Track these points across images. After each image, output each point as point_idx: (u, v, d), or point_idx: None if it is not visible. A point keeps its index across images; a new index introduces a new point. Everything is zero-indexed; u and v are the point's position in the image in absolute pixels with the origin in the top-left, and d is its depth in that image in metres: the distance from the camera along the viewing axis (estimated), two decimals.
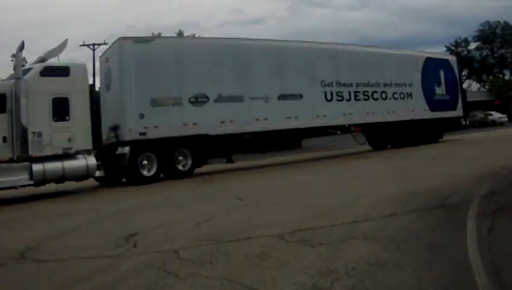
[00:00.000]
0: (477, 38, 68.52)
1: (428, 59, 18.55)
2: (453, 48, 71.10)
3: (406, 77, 16.96)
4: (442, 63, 19.41)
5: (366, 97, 15.27)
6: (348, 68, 15.11)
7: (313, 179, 10.21)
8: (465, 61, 71.67)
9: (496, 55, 71.16)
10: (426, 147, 16.94)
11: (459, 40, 70.83)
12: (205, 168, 12.74)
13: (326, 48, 15.05)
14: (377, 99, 15.53)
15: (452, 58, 21.06)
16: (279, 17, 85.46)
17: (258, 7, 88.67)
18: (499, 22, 68.47)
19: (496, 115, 45.89)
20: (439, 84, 18.32)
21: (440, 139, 19.24)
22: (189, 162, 11.15)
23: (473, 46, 69.64)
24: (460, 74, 20.47)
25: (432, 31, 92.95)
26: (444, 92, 18.64)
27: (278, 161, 16.54)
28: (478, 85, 71.68)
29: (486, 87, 66.15)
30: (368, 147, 17.85)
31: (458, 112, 19.68)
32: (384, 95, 15.93)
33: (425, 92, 17.69)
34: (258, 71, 12.81)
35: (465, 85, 77.12)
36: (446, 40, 73.16)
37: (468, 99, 59.10)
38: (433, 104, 17.95)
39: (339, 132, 18.71)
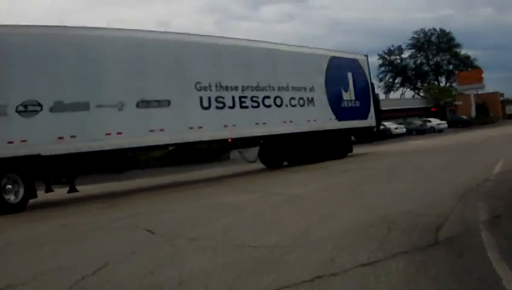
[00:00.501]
0: (411, 46, 78.50)
1: (333, 58, 18.26)
2: (386, 56, 79.37)
3: (307, 79, 16.70)
4: (351, 64, 19.29)
5: (256, 104, 14.89)
6: (232, 67, 14.57)
7: (244, 200, 9.67)
8: (398, 69, 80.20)
9: (431, 62, 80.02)
10: (343, 163, 16.86)
11: (392, 48, 78.77)
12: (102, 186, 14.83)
13: (201, 41, 14.36)
14: (269, 106, 15.22)
15: (362, 58, 20.55)
16: (207, 31, 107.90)
17: (186, 20, 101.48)
18: (434, 29, 78.18)
19: (434, 122, 50.73)
20: (346, 89, 18.38)
21: (349, 153, 18.84)
22: (22, 191, 10.29)
23: (406, 54, 78.81)
24: (371, 76, 20.52)
25: (361, 43, 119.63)
26: (353, 98, 18.67)
27: (201, 175, 17.09)
28: (412, 92, 79.61)
29: (421, 94, 73.62)
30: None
31: (370, 120, 19.72)
32: (278, 101, 15.54)
33: (330, 97, 17.48)
34: (109, 70, 11.98)
35: (398, 93, 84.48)
36: (377, 51, 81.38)
37: (404, 107, 63.44)
38: (340, 111, 17.78)
39: (239, 151, 17.69)
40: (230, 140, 15.74)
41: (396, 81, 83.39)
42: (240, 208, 8.44)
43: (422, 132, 49.02)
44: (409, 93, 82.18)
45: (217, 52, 14.53)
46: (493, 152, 15.49)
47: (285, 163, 17.55)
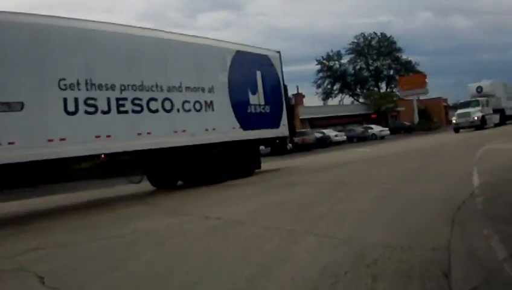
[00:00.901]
0: (350, 51, 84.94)
1: (239, 54, 17.01)
2: (324, 61, 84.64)
3: (205, 77, 15.55)
4: (260, 61, 18.24)
5: (138, 108, 13.49)
6: (108, 60, 13.15)
7: (167, 226, 8.76)
8: (337, 75, 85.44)
9: (371, 67, 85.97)
10: (284, 175, 17.36)
11: (331, 54, 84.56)
12: None
13: (66, 25, 12.80)
14: (155, 111, 13.91)
15: (274, 54, 19.31)
16: None
17: None
18: (375, 33, 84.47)
19: (376, 129, 53.78)
20: (254, 91, 17.48)
21: (257, 170, 18.08)
22: None
23: (346, 59, 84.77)
24: (283, 77, 19.98)
25: (298, 49, 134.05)
26: (262, 102, 17.77)
27: (124, 191, 16.33)
28: (351, 99, 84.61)
29: (361, 100, 78.11)
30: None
31: (282, 129, 18.85)
32: (168, 105, 14.27)
33: (235, 101, 16.44)
34: None
35: (337, 99, 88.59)
36: (315, 58, 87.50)
37: (344, 113, 65.21)
38: (246, 119, 16.76)
39: (136, 181, 16.23)
40: (103, 156, 14.25)
41: (335, 87, 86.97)
42: (161, 240, 7.47)
43: (363, 139, 51.29)
44: (347, 99, 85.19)
45: (88, 40, 12.83)
46: (456, 161, 15.44)
47: (180, 183, 16.38)
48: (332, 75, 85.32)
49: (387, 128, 56.32)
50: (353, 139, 51.41)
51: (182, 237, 7.67)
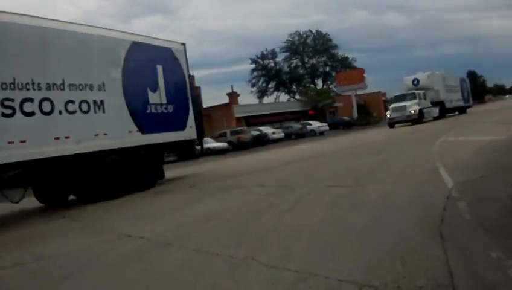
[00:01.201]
0: (285, 49, 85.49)
1: (136, 46, 14.83)
2: (259, 60, 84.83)
3: (94, 73, 13.30)
4: (162, 54, 16.04)
5: (9, 111, 11.11)
6: None
7: (81, 249, 7.23)
8: (272, 73, 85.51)
9: (307, 65, 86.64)
10: (215, 179, 15.26)
11: (265, 52, 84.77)
12: None
13: None
14: (31, 113, 11.56)
15: (178, 47, 17.03)
16: None
17: None
18: (310, 31, 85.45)
19: (315, 125, 53.33)
20: (155, 88, 15.31)
21: (160, 181, 15.87)
22: None
23: (281, 57, 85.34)
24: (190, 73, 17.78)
25: (231, 50, 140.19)
26: (165, 101, 15.56)
27: None
28: (287, 96, 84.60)
29: (297, 97, 77.89)
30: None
31: (189, 132, 16.82)
32: (47, 106, 11.87)
33: (131, 100, 14.24)
34: None
35: (272, 97, 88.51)
36: (248, 59, 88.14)
37: (280, 111, 63.71)
38: (145, 121, 14.62)
39: (15, 200, 12.88)
40: None
41: (270, 85, 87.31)
42: (68, 272, 5.88)
43: (302, 135, 50.45)
44: (283, 97, 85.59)
45: None
46: (412, 156, 13.94)
47: (72, 197, 14.13)
48: (267, 74, 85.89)
49: (326, 124, 55.92)
50: (291, 136, 50.37)
51: (94, 266, 6.07)
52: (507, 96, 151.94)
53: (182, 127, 16.42)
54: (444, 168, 9.89)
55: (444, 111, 44.19)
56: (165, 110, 15.62)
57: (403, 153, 15.58)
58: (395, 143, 20.45)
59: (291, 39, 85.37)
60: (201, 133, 17.58)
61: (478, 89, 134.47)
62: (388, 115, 40.21)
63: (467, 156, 11.61)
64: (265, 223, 6.95)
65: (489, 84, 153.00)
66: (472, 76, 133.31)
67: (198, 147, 18.18)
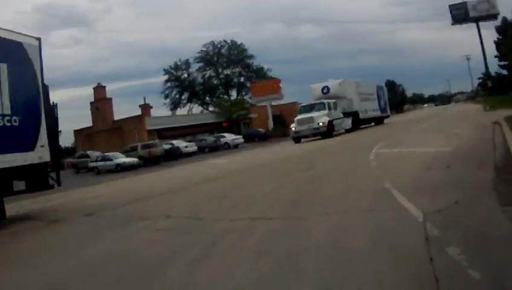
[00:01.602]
0: (199, 60, 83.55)
1: None
2: (172, 70, 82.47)
3: None
4: (7, 49, 11.77)
5: None
6: None
7: None
8: (185, 84, 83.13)
9: (221, 76, 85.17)
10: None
11: (179, 63, 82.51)
12: None
13: None
14: None
15: (31, 42, 12.71)
16: None
17: None
18: (225, 41, 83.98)
19: (229, 137, 50.86)
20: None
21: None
22: None
23: (195, 68, 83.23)
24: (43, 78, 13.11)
25: (146, 63, 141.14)
26: (8, 112, 11.39)
27: None
28: (201, 108, 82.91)
29: (210, 109, 76.32)
30: None
31: (40, 153, 12.54)
32: None
33: None
34: None
35: (185, 109, 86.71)
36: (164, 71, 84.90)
37: (193, 123, 61.08)
38: None
39: None
40: None
41: (183, 96, 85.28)
42: None
43: (216, 148, 48.46)
44: (197, 108, 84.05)
45: None
46: (349, 173, 11.60)
47: None
48: (181, 85, 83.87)
49: (240, 136, 53.92)
50: (205, 150, 48.56)
51: None
52: (425, 105, 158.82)
53: (31, 146, 12.28)
54: (396, 189, 8.03)
55: (358, 122, 40.48)
56: (7, 124, 11.38)
57: (336, 168, 13.30)
58: (322, 156, 18.30)
59: (205, 49, 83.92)
60: (57, 155, 13.60)
61: (398, 98, 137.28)
62: (292, 129, 34.82)
63: (418, 171, 9.85)
64: (168, 282, 4.96)
65: (409, 93, 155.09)
66: (391, 85, 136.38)
67: (55, 173, 13.49)
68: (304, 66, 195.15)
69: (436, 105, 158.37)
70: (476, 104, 72.68)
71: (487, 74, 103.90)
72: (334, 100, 36.12)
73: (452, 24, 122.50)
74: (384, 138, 22.50)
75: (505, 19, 57.76)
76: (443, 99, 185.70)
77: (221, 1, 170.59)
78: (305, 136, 33.40)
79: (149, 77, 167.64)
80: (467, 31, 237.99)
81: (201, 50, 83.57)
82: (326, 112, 33.96)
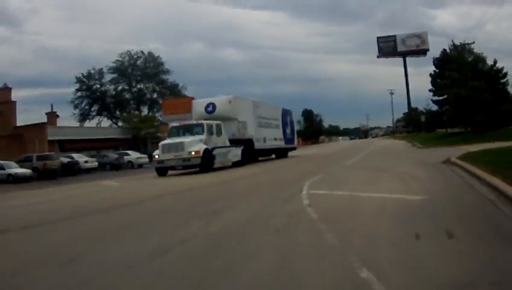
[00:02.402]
0: (113, 70, 79.30)
1: None
2: (84, 79, 77.78)
3: None
4: None
5: None
6: None
7: None
8: (96, 96, 79.18)
9: (134, 89, 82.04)
10: None
11: (92, 72, 77.99)
12: None
13: None
14: None
15: None
16: None
17: None
18: (142, 52, 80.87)
19: (133, 155, 48.79)
20: None
21: None
22: None
23: (109, 78, 79.27)
24: None
25: (69, 70, 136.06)
26: None
27: None
28: (110, 122, 79.15)
29: (119, 124, 73.63)
30: None
31: None
32: None
33: None
34: None
35: (94, 121, 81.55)
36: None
37: (100, 137, 59.24)
38: None
39: None
40: None
41: (93, 108, 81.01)
42: None
43: (118, 166, 46.37)
44: (106, 122, 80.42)
45: None
46: (277, 226, 7.61)
47: None
48: (91, 96, 79.23)
49: (146, 156, 50.19)
50: (106, 167, 46.63)
51: None
52: (341, 138, 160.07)
53: None
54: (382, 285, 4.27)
55: (253, 153, 32.36)
56: None
57: (253, 213, 9.58)
58: (225, 194, 14.57)
59: (121, 59, 79.93)
60: None
61: (314, 128, 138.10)
62: (156, 157, 26.39)
63: (402, 242, 6.04)
64: None
65: (325, 124, 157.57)
66: (308, 114, 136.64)
67: None
68: (220, 88, 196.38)
69: (351, 139, 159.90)
70: (398, 140, 71.36)
71: (413, 110, 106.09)
72: (218, 122, 27.87)
73: (378, 57, 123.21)
74: (310, 174, 18.12)
75: (444, 52, 57.47)
76: (359, 133, 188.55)
77: (149, 15, 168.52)
78: (173, 168, 26.05)
79: (68, 85, 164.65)
80: (391, 66, 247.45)
81: (117, 60, 79.77)
82: (203, 137, 25.87)
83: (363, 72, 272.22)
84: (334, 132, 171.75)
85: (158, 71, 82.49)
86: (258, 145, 32.93)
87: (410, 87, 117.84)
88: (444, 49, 57.78)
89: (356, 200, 10.23)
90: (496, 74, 49.92)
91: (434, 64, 58.99)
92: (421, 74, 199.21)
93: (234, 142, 29.23)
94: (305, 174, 18.02)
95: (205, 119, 28.20)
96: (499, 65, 51.43)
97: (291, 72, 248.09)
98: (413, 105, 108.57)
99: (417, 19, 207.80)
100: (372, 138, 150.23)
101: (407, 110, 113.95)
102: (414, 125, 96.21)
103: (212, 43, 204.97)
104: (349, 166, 22.52)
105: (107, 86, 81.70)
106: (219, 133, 27.61)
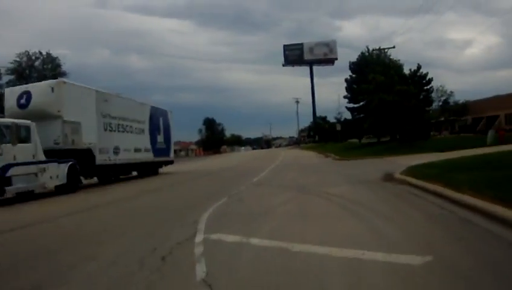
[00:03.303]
0: (11, 72, 71.83)
1: None
2: None
3: None
4: None
5: None
6: None
7: None
8: None
9: None
10: None
11: None
12: None
13: None
14: None
15: None
16: None
17: None
18: (40, 52, 73.82)
19: None
20: None
21: None
22: None
23: (5, 79, 71.26)
24: None
25: None
26: None
27: None
28: None
29: None
30: None
31: None
32: None
33: None
34: None
35: None
36: None
37: None
38: None
39: None
40: None
41: None
42: None
43: None
44: None
45: None
46: None
47: None
48: None
49: None
50: None
51: None
52: (243, 148, 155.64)
53: None
54: None
55: (95, 171, 22.50)
56: None
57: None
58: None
59: (19, 60, 72.08)
60: None
61: (216, 138, 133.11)
62: None
63: None
64: None
65: (228, 133, 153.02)
66: (210, 123, 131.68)
67: None
68: (125, 95, 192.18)
69: (254, 149, 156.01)
70: (306, 151, 66.61)
71: (321, 119, 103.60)
72: (27, 122, 17.29)
73: (283, 65, 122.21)
74: (209, 198, 12.67)
75: (363, 55, 53.32)
76: (261, 143, 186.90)
77: (57, 21, 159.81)
78: None
79: None
80: (297, 77, 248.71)
81: (15, 60, 71.66)
82: None
83: (267, 82, 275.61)
84: (237, 142, 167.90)
85: (56, 73, 75.19)
86: (102, 158, 22.05)
87: (316, 98, 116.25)
88: (362, 53, 53.53)
89: (300, 269, 5.25)
90: (419, 80, 46.14)
91: (350, 69, 54.36)
92: (327, 84, 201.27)
93: (57, 154, 18.56)
94: (202, 200, 12.58)
95: (16, 117, 17.66)
96: (422, 71, 48.09)
97: (194, 80, 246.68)
98: (320, 115, 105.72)
99: (324, 30, 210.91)
100: (276, 147, 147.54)
101: (312, 120, 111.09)
102: (321, 135, 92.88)
103: (118, 50, 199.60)
104: (261, 183, 17.21)
105: (4, 88, 73.39)
106: (26, 139, 16.87)
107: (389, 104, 35.00)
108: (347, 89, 54.78)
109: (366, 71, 44.71)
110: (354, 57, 54.44)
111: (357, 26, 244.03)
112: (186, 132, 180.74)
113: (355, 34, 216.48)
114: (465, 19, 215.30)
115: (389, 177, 14.80)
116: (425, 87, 46.84)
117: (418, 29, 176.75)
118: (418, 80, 45.53)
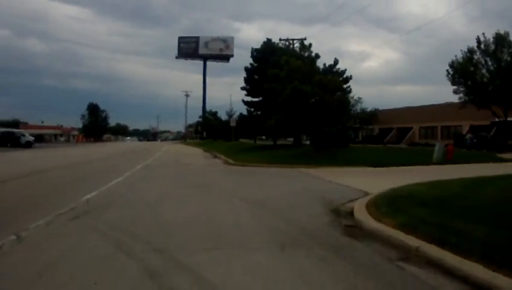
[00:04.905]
0: None
1: None
2: None
3: None
4: None
5: None
6: None
7: None
8: None
9: None
10: None
11: None
12: None
13: None
14: None
15: None
16: None
17: None
18: None
19: None
20: None
21: None
22: None
23: None
24: None
25: None
26: None
27: None
28: None
29: None
30: None
31: None
32: None
33: None
34: None
35: None
36: None
37: None
38: None
39: None
40: None
41: None
42: None
43: None
44: None
45: None
46: None
47: None
48: None
49: None
50: None
51: None
52: (128, 138, 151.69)
53: None
54: None
55: None
56: None
57: None
58: None
59: None
60: None
61: (99, 124, 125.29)
62: None
63: None
64: None
65: (112, 122, 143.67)
66: (94, 109, 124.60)
67: None
68: (19, 78, 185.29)
69: (140, 140, 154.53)
70: (192, 147, 59.91)
71: (211, 114, 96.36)
72: None
73: (176, 57, 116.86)
74: None
75: (268, 41, 45.05)
76: (148, 135, 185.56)
77: None
78: None
79: None
80: (189, 73, 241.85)
81: None
82: None
83: (160, 75, 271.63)
84: (122, 131, 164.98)
85: None
86: None
87: (207, 95, 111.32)
88: (268, 39, 45.11)
89: None
90: (337, 76, 38.00)
91: (252, 57, 45.15)
92: (220, 84, 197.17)
93: None
94: None
95: None
96: (339, 67, 40.94)
97: (89, 69, 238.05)
98: (210, 110, 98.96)
99: (222, 30, 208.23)
100: (161, 141, 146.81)
101: (202, 114, 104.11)
102: (210, 131, 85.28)
103: (18, 32, 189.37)
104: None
105: None
106: None
107: (306, 96, 26.59)
108: (246, 80, 45.81)
109: (271, 60, 36.66)
110: (249, 60, 45.44)
111: (255, 30, 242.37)
112: (72, 118, 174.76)
113: (253, 37, 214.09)
114: (366, 33, 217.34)
115: (344, 221, 8.13)
116: (343, 86, 38.76)
117: (317, 38, 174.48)
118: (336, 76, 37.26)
